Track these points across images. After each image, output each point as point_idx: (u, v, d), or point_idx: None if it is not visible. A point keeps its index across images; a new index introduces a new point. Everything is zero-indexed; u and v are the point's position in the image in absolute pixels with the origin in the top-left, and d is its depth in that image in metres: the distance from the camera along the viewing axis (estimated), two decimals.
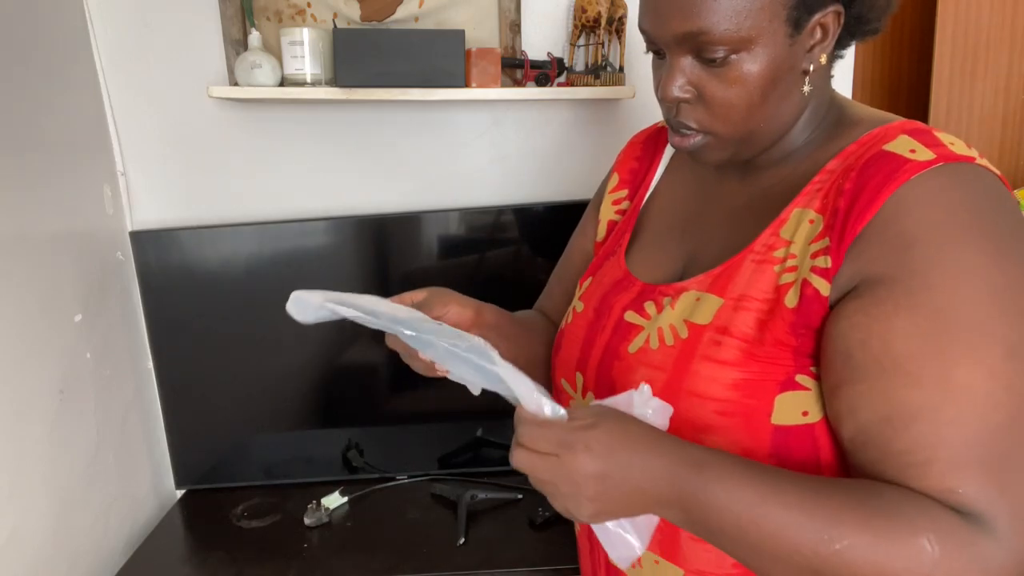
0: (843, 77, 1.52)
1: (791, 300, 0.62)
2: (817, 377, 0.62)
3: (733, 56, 0.62)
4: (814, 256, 0.61)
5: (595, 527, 0.62)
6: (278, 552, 1.37)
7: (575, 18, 1.45)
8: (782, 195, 0.68)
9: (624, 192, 0.88)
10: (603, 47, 1.45)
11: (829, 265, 0.60)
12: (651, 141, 0.89)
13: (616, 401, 0.63)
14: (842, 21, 0.64)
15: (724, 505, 0.56)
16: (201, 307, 1.51)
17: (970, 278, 0.56)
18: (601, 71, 1.44)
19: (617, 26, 1.45)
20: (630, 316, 0.74)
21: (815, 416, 0.63)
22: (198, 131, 1.52)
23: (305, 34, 1.34)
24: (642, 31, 0.68)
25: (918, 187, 0.58)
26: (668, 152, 0.86)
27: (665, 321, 0.69)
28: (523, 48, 1.49)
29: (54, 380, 1.27)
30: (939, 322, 0.55)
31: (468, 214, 1.52)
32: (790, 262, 0.63)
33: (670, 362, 0.67)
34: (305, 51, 1.35)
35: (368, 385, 1.59)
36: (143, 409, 1.56)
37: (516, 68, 1.47)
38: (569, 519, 0.61)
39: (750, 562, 0.58)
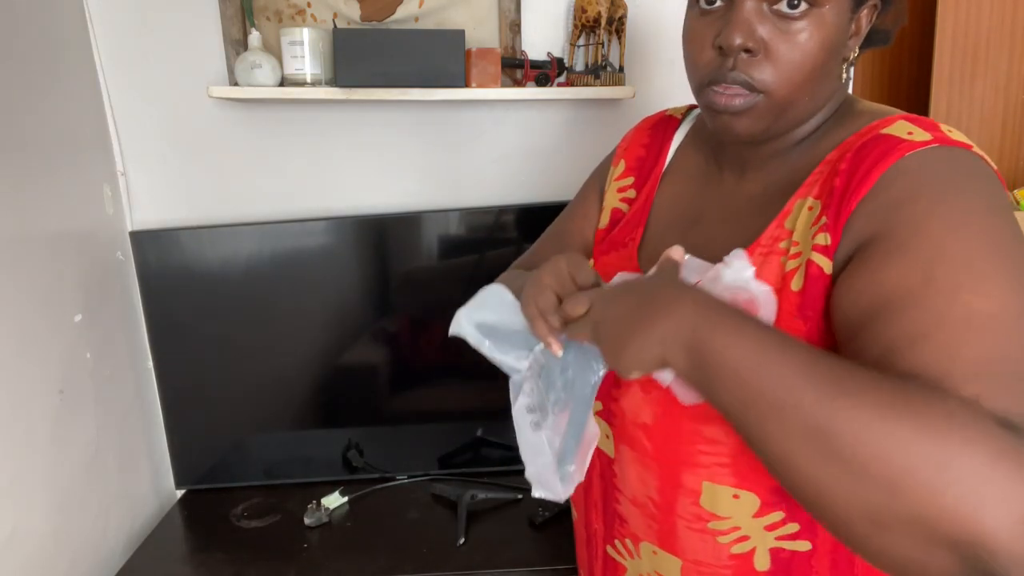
0: None
1: (796, 283, 0.62)
2: None
3: (812, 10, 0.61)
4: (814, 236, 0.61)
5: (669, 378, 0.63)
6: (278, 552, 1.37)
7: (575, 18, 1.45)
8: (784, 188, 0.68)
9: (630, 180, 0.86)
10: (603, 47, 1.45)
11: (829, 242, 0.60)
12: (659, 129, 0.87)
13: (703, 269, 0.64)
14: (872, 19, 0.65)
15: (729, 348, 0.52)
16: (201, 307, 1.50)
17: (961, 223, 0.54)
18: (601, 71, 1.44)
19: (617, 26, 1.45)
20: None
21: None
22: (198, 131, 1.52)
23: (305, 34, 1.34)
24: None
25: (911, 161, 0.58)
26: (674, 145, 0.85)
27: None
28: (523, 48, 1.49)
29: (54, 380, 1.27)
30: (933, 260, 0.53)
31: (468, 214, 1.52)
32: (793, 249, 0.63)
33: None
34: (305, 51, 1.35)
35: (368, 385, 1.59)
36: (143, 409, 1.56)
37: (516, 68, 1.47)
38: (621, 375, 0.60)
39: (747, 422, 0.52)
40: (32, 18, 1.25)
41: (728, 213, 0.74)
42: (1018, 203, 1.80)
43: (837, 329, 0.59)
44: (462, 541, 1.35)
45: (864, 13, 0.65)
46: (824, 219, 0.61)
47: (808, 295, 0.61)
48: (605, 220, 0.87)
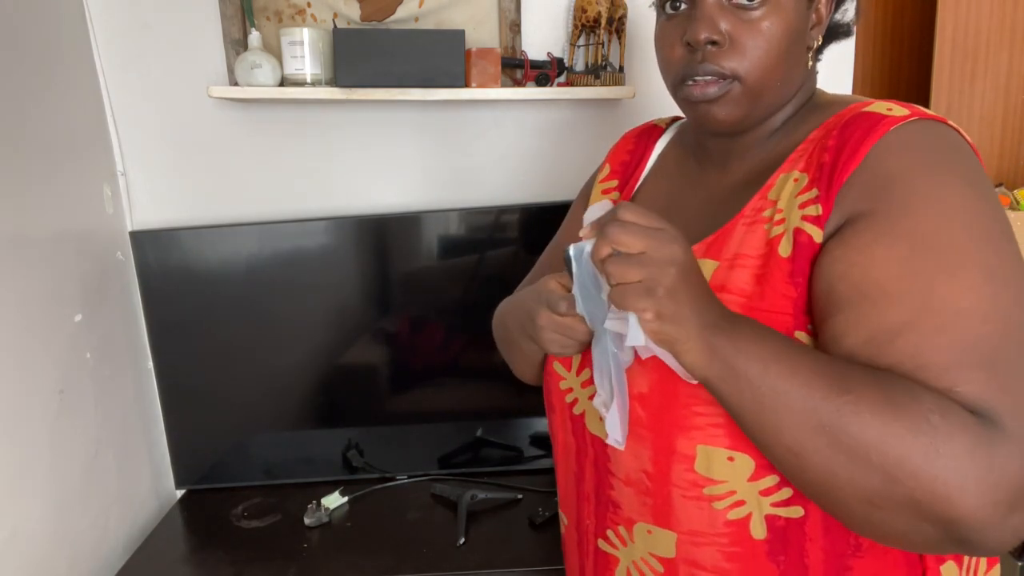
0: (843, 77, 1.52)
1: (784, 249, 0.64)
2: (814, 334, 0.63)
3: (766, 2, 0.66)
4: (803, 206, 0.64)
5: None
6: (278, 552, 1.37)
7: (575, 18, 1.45)
8: (765, 169, 0.71)
9: (614, 183, 0.89)
10: (603, 47, 1.45)
11: (820, 213, 0.63)
12: (643, 137, 0.90)
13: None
14: (832, 9, 0.70)
15: (749, 350, 0.58)
16: (201, 307, 1.50)
17: (947, 207, 0.59)
18: (601, 71, 1.44)
19: (617, 26, 1.45)
20: None
21: None
22: (198, 131, 1.52)
23: (305, 34, 1.34)
24: None
25: (898, 135, 0.62)
26: (657, 149, 0.88)
27: None
28: (523, 48, 1.50)
29: (54, 380, 1.27)
30: (917, 247, 0.58)
31: (468, 214, 1.52)
32: (777, 216, 0.66)
33: None
34: (305, 51, 1.35)
35: (368, 385, 1.59)
36: (143, 409, 1.56)
37: (516, 68, 1.47)
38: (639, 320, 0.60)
39: (761, 418, 0.58)
40: (32, 18, 1.25)
41: (709, 202, 0.76)
42: (1018, 203, 1.80)
43: (818, 296, 0.62)
44: (462, 541, 1.35)
45: (823, 2, 0.70)
46: (815, 191, 0.64)
47: (798, 262, 0.63)
48: None
